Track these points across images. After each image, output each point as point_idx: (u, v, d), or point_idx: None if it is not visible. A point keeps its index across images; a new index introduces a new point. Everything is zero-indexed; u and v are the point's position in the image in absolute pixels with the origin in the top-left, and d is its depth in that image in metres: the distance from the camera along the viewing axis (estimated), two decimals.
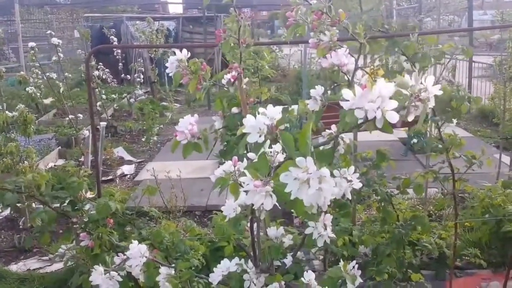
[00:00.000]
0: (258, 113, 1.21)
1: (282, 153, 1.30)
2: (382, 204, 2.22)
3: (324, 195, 1.08)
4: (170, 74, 1.69)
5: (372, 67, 2.39)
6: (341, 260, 1.77)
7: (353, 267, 1.71)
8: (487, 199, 3.10)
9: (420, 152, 5.74)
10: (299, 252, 1.88)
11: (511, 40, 4.99)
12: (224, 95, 1.74)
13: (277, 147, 1.27)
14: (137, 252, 1.66)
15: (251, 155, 1.29)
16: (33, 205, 1.95)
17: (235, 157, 1.40)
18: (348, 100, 1.12)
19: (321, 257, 3.23)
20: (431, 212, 3.73)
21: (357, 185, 1.67)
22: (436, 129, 2.05)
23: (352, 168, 1.67)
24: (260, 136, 1.17)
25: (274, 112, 1.19)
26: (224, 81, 1.70)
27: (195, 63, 1.62)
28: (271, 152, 1.38)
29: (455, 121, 2.25)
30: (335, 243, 2.30)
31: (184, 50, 1.66)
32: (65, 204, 1.92)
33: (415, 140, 5.89)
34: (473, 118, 7.74)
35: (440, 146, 2.06)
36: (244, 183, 1.20)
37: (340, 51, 1.56)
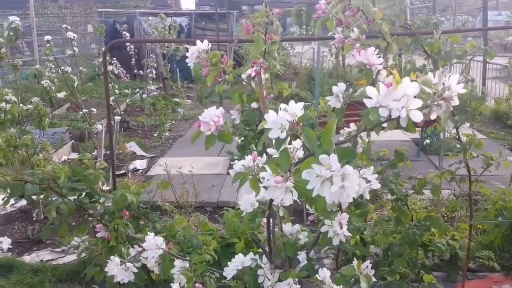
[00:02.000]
0: (280, 109, 1.21)
1: (302, 150, 1.30)
2: (398, 203, 2.21)
3: (347, 192, 1.08)
4: (189, 65, 1.69)
5: (386, 66, 2.39)
6: (354, 259, 1.77)
7: (367, 266, 1.71)
8: (500, 201, 3.07)
9: (432, 153, 5.71)
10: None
11: None
12: (244, 90, 1.75)
13: (297, 143, 1.27)
14: (153, 244, 1.67)
15: (270, 150, 1.29)
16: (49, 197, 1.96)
17: (255, 152, 1.40)
18: (372, 98, 1.12)
19: (332, 256, 3.23)
20: (443, 214, 3.71)
21: (376, 185, 1.67)
22: (454, 129, 2.03)
23: (372, 168, 1.67)
24: (282, 132, 1.17)
25: (296, 109, 1.19)
26: (244, 76, 1.70)
27: (215, 55, 1.62)
28: (290, 148, 1.39)
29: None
30: (349, 242, 2.29)
31: (205, 41, 1.66)
32: (82, 196, 1.93)
33: (427, 141, 5.86)
34: (487, 120, 7.68)
35: (458, 146, 2.05)
36: (264, 178, 1.21)
37: (369, 50, 1.55)
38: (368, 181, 1.66)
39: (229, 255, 2.93)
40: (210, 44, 1.69)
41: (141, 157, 6.09)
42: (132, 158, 5.95)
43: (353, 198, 1.73)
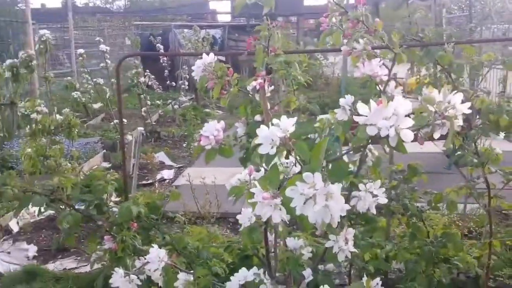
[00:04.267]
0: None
1: (297, 165, 1.27)
2: (412, 219, 2.13)
3: (331, 212, 1.05)
4: (195, 78, 1.70)
5: (413, 77, 2.32)
6: (366, 275, 1.72)
7: (377, 283, 1.65)
8: None
9: (464, 165, 5.53)
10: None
11: None
12: (248, 102, 1.74)
13: (293, 158, 1.24)
14: (156, 256, 1.67)
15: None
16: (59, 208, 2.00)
17: (251, 166, 1.38)
18: (363, 116, 1.09)
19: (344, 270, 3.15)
20: (471, 228, 3.57)
21: (383, 200, 1.62)
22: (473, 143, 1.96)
23: (379, 182, 1.62)
24: (272, 148, 1.15)
25: (287, 124, 1.16)
26: (249, 88, 1.69)
27: (221, 68, 1.62)
28: (287, 163, 1.36)
29: (502, 134, 2.14)
30: (361, 258, 2.23)
31: (211, 54, 1.67)
32: (91, 207, 1.96)
33: (459, 153, 5.67)
34: None
35: (475, 160, 1.97)
36: (254, 194, 1.18)
37: (373, 61, 1.52)
38: (374, 196, 1.61)
39: (247, 267, 2.91)
40: (216, 57, 1.70)
41: (169, 167, 6.15)
42: (160, 168, 6.02)
43: (361, 212, 1.69)
